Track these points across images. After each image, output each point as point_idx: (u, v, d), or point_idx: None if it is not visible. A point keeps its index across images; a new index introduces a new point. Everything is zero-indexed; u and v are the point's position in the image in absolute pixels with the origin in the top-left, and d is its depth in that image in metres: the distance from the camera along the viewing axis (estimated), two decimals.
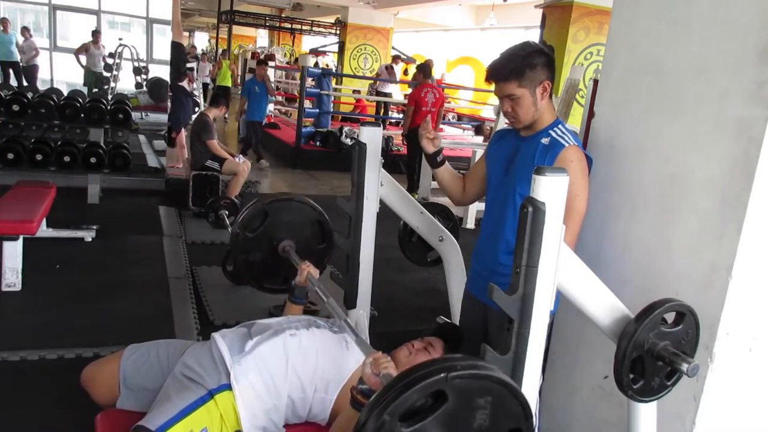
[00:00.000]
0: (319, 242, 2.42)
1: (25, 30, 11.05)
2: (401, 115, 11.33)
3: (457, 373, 0.97)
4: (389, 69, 11.63)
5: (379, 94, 11.74)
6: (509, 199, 1.79)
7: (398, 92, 12.03)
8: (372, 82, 12.36)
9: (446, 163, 2.04)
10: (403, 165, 7.68)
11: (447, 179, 2.07)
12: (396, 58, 12.61)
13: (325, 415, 1.71)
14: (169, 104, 6.86)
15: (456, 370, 0.98)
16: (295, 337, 1.74)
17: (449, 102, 12.39)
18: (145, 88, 9.95)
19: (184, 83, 6.15)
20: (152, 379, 1.74)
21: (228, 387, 1.62)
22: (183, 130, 6.29)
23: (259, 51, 17.49)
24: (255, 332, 1.76)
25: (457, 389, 0.98)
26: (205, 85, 13.71)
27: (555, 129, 1.77)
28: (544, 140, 1.76)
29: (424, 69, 7.21)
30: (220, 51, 15.95)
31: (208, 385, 1.61)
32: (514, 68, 1.72)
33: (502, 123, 6.50)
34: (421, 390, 0.96)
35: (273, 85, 11.29)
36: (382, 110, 11.70)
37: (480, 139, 10.13)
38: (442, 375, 0.96)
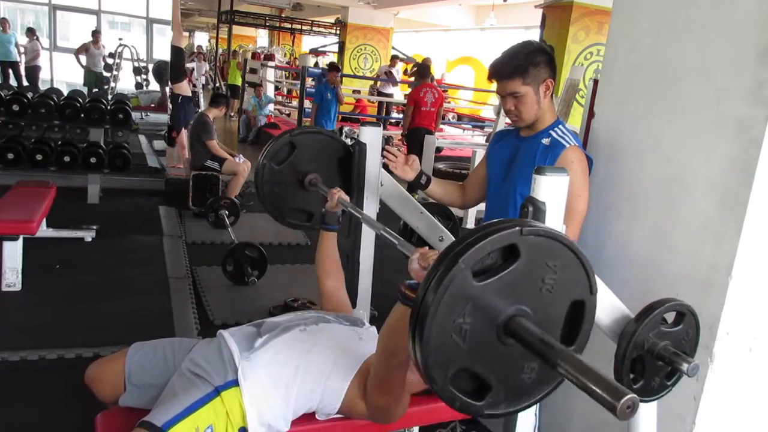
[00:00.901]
0: (344, 178, 2.34)
1: (29, 31, 11.03)
2: (401, 115, 11.36)
3: (532, 228, 0.95)
4: (389, 74, 11.64)
5: (380, 94, 11.76)
6: (510, 199, 1.80)
7: (399, 93, 12.05)
8: (373, 82, 12.37)
9: (431, 179, 2.05)
10: None
11: (439, 193, 2.08)
12: (394, 59, 12.60)
13: (336, 405, 1.70)
14: (169, 106, 6.86)
15: (530, 226, 0.95)
16: (305, 333, 1.74)
17: (449, 102, 12.39)
18: (145, 88, 9.95)
19: (184, 83, 6.12)
20: (157, 376, 1.74)
21: (235, 383, 1.61)
22: (183, 130, 6.29)
23: (259, 51, 17.48)
24: (264, 330, 1.76)
25: (530, 246, 0.95)
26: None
27: (556, 129, 1.78)
28: (545, 141, 1.76)
29: (420, 70, 7.29)
30: (220, 51, 15.95)
31: (215, 382, 1.61)
32: (518, 66, 1.73)
33: (502, 123, 6.50)
34: (496, 241, 0.92)
35: (272, 85, 11.26)
36: (384, 111, 11.71)
37: (482, 139, 10.14)
38: (517, 228, 0.94)
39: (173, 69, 6.10)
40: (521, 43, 1.79)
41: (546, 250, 0.97)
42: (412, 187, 2.10)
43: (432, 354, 0.90)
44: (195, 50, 14.35)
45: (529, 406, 1.05)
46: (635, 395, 0.79)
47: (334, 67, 8.03)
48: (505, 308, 0.95)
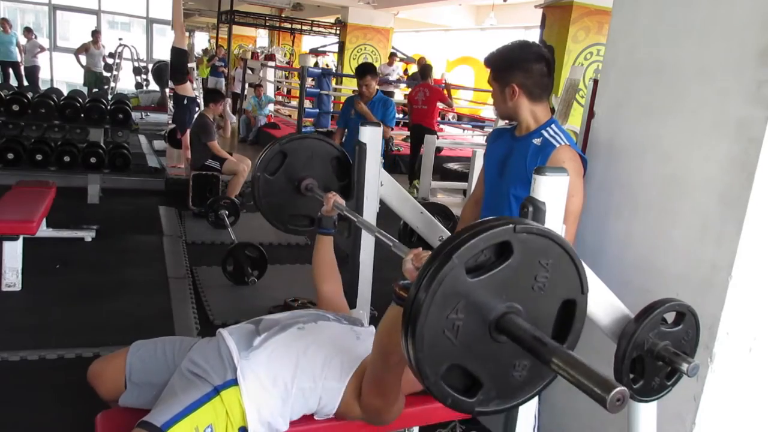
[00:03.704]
0: (340, 179, 2.38)
1: (28, 31, 11.03)
2: (401, 115, 11.40)
3: (525, 226, 0.96)
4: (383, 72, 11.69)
5: None
6: (504, 200, 1.80)
7: (399, 93, 12.06)
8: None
9: None
10: (404, 164, 7.78)
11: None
12: (392, 56, 12.56)
13: (334, 406, 1.70)
14: (170, 107, 6.85)
15: (524, 224, 0.96)
16: (304, 331, 1.74)
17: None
18: (145, 88, 9.95)
19: (187, 84, 6.12)
20: (158, 375, 1.74)
21: (234, 383, 1.61)
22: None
23: (258, 51, 17.45)
24: (263, 328, 1.76)
25: (523, 244, 0.95)
26: (236, 95, 11.73)
27: (547, 129, 1.77)
28: (536, 141, 1.76)
29: (420, 71, 7.38)
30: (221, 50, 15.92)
31: (214, 382, 1.61)
32: (493, 59, 1.80)
33: (502, 122, 6.51)
34: (489, 237, 0.93)
35: (272, 85, 11.17)
36: None
37: (482, 139, 10.15)
38: (511, 226, 0.94)
39: (175, 70, 6.08)
40: (519, 42, 1.82)
41: (539, 248, 0.98)
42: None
43: (424, 350, 0.91)
44: (217, 51, 13.98)
45: (520, 404, 1.05)
46: (625, 388, 0.80)
47: (366, 70, 4.41)
48: (498, 305, 0.96)
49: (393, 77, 11.83)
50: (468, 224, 0.98)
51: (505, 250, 0.95)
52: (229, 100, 6.99)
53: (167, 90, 7.84)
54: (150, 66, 11.28)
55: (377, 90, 4.40)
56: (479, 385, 0.99)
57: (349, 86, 13.08)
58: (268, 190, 2.27)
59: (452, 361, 0.94)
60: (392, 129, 4.76)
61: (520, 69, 1.74)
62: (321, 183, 2.28)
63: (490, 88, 1.86)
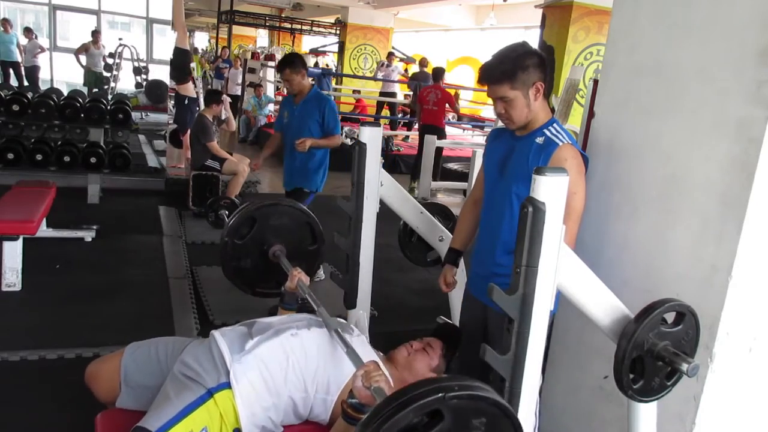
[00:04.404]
0: (309, 244, 2.44)
1: (28, 31, 11.03)
2: (400, 116, 11.41)
3: (455, 394, 0.98)
4: (385, 67, 11.68)
5: (382, 94, 11.75)
6: (506, 199, 1.79)
7: (399, 93, 12.07)
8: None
9: (459, 251, 2.11)
10: (404, 164, 7.81)
11: (471, 233, 2.09)
12: (390, 56, 12.54)
13: (326, 416, 1.71)
14: (170, 106, 6.83)
15: (453, 390, 0.99)
16: (296, 337, 1.74)
17: None
18: (144, 89, 9.95)
19: (189, 84, 6.11)
20: (152, 377, 1.74)
21: (227, 386, 1.62)
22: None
23: (259, 51, 17.46)
24: (256, 331, 1.76)
25: (454, 409, 0.99)
26: (235, 97, 11.06)
27: (549, 128, 1.77)
28: (539, 139, 1.75)
29: (434, 73, 7.45)
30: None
31: (207, 384, 1.62)
32: (506, 70, 1.72)
33: (501, 122, 6.52)
34: (418, 409, 0.97)
35: (272, 85, 11.16)
36: (389, 111, 11.66)
37: (482, 139, 10.16)
38: (440, 395, 0.97)
39: (177, 70, 6.08)
40: (510, 46, 1.78)
41: (471, 409, 1.01)
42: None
43: None
44: (222, 52, 13.91)
45: None
46: None
47: (284, 63, 3.66)
48: None
49: (394, 76, 11.82)
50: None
51: (436, 414, 0.98)
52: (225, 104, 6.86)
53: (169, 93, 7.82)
54: (150, 66, 11.27)
55: (312, 86, 3.74)
56: None
57: (349, 86, 13.10)
58: (235, 255, 2.32)
59: None
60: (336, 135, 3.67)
61: (534, 66, 1.73)
62: (290, 248, 2.34)
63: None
